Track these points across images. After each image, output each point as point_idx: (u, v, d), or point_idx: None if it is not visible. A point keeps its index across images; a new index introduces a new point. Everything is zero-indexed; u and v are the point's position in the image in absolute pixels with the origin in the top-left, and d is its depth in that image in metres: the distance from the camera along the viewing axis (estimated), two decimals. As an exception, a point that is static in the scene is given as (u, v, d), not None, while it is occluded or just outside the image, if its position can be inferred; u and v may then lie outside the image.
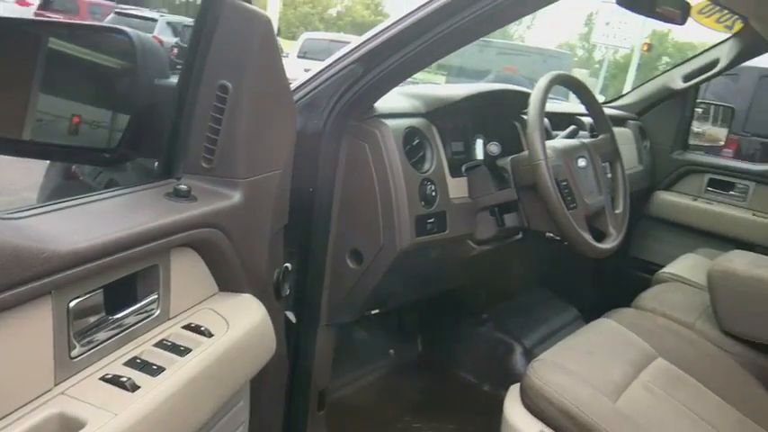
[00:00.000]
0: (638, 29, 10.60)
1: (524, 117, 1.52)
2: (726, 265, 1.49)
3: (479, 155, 1.35)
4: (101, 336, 0.63)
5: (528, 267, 1.96)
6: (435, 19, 1.05)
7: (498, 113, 1.53)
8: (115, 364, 0.63)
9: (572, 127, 1.55)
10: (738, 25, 2.08)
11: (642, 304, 1.61)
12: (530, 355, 1.76)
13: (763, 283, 1.42)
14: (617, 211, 1.46)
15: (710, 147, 2.68)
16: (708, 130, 2.72)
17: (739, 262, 1.51)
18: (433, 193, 1.22)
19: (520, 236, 1.48)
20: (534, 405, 1.13)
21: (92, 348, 0.62)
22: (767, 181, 2.24)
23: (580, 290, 2.18)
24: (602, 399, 1.13)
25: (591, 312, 2.21)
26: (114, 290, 0.65)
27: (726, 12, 2.15)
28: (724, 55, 2.15)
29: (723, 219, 2.28)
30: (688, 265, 1.96)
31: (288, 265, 1.15)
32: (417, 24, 1.07)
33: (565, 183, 1.28)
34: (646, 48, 12.63)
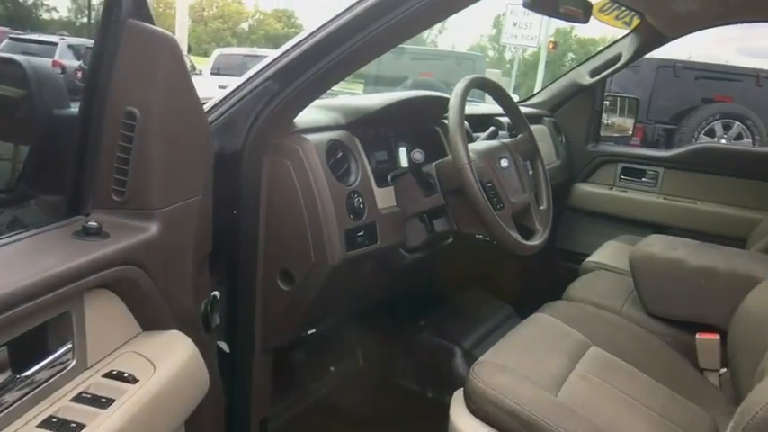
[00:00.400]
0: (544, 28, 11.07)
1: (445, 122, 1.53)
2: (645, 250, 1.57)
3: (404, 163, 1.35)
4: (9, 397, 0.57)
5: (461, 269, 1.98)
6: (350, 29, 1.03)
7: (420, 120, 1.54)
8: (27, 427, 0.57)
9: (492, 128, 1.59)
10: (636, 21, 2.21)
11: (572, 295, 1.67)
12: (470, 357, 1.78)
13: (681, 264, 1.50)
14: (542, 208, 1.51)
15: (620, 137, 2.83)
16: (616, 122, 2.86)
17: (657, 246, 1.58)
18: (361, 206, 1.21)
19: (450, 240, 1.49)
20: (479, 408, 1.14)
21: None
22: (675, 166, 2.38)
23: (512, 286, 2.23)
24: (543, 394, 1.15)
25: (524, 307, 2.26)
26: (21, 344, 0.59)
27: (624, 9, 2.27)
28: (625, 49, 2.27)
29: (638, 205, 2.40)
30: (610, 253, 2.04)
31: (216, 293, 1.11)
32: (332, 36, 1.05)
33: (490, 184, 1.30)
34: (552, 46, 13.22)
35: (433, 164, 1.34)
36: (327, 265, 1.15)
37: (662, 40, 2.23)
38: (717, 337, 1.41)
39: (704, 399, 1.32)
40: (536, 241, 1.37)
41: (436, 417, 1.27)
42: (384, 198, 1.31)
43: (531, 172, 1.55)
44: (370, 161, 1.33)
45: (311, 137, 1.18)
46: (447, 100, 1.34)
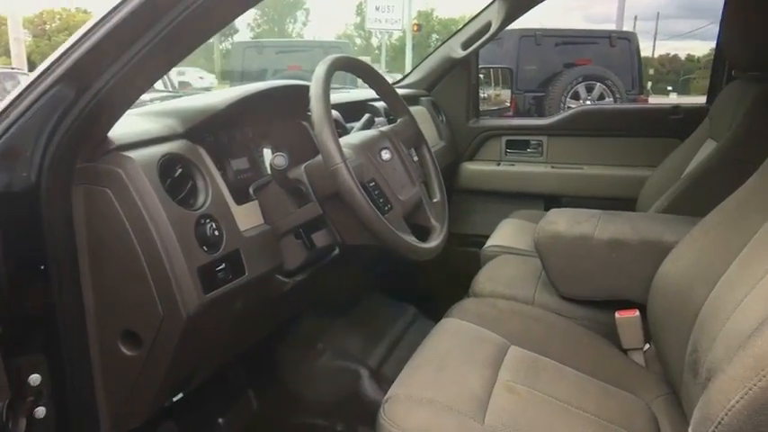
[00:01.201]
0: (406, 10, 11.09)
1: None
2: (549, 230, 1.43)
3: (267, 170, 1.10)
4: None
5: (354, 277, 1.77)
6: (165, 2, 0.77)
7: (283, 116, 1.29)
8: None
9: (367, 116, 1.37)
10: (501, -14, 2.09)
11: (479, 290, 1.50)
12: (378, 376, 1.57)
13: (589, 239, 1.38)
14: (435, 201, 1.31)
15: (498, 109, 2.74)
16: (493, 94, 2.77)
17: (561, 222, 1.45)
18: (216, 232, 0.95)
19: (336, 252, 1.26)
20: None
21: None
22: (557, 133, 2.32)
23: (413, 283, 2.06)
24: (469, 424, 0.97)
25: (429, 303, 2.11)
26: None
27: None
28: (494, 17, 2.15)
29: (527, 177, 2.31)
30: (509, 233, 1.92)
31: (35, 377, 0.82)
32: (141, 12, 0.78)
33: (372, 183, 1.08)
34: (416, 28, 13.34)
35: (302, 166, 1.10)
36: (181, 316, 0.88)
37: (527, 4, 2.13)
38: (636, 313, 1.30)
39: (635, 383, 1.20)
40: (435, 242, 1.18)
41: None
42: (247, 217, 1.06)
43: (416, 160, 1.36)
44: (224, 173, 1.07)
45: (136, 153, 0.90)
46: (308, 88, 1.11)
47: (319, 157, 1.05)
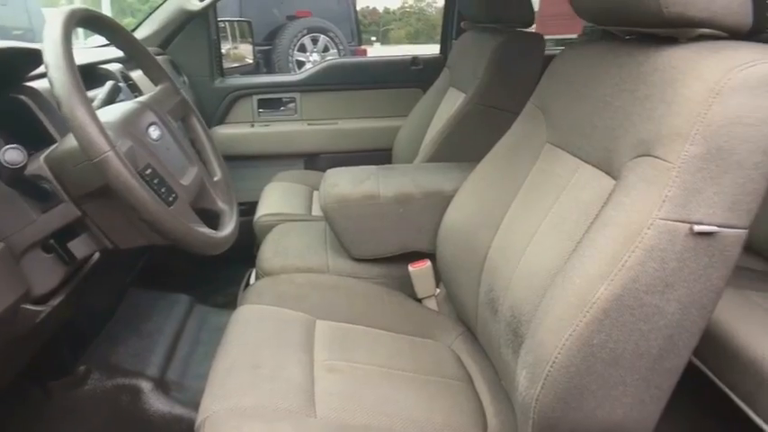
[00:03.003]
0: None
1: (33, 86, 1.00)
2: (335, 193, 1.38)
3: None
4: None
5: (115, 284, 1.50)
6: None
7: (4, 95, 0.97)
8: None
9: (110, 83, 1.10)
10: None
11: (269, 268, 1.39)
12: (164, 385, 1.37)
13: (376, 198, 1.37)
14: (216, 179, 1.14)
15: (241, 66, 2.56)
16: (232, 50, 2.58)
17: (344, 184, 1.41)
18: None
19: (97, 257, 1.02)
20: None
21: None
22: (309, 89, 2.26)
23: (185, 266, 1.84)
24: (304, 422, 0.88)
25: (204, 286, 1.92)
26: None
27: None
28: None
29: (284, 137, 2.22)
30: (279, 199, 1.82)
31: None
32: None
33: (149, 170, 0.87)
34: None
35: (41, 159, 0.83)
36: None
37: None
38: (428, 263, 1.34)
39: (435, 329, 1.25)
40: (229, 228, 1.02)
41: None
42: None
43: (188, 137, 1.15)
44: None
45: None
46: (36, 52, 0.83)
47: (66, 145, 0.81)
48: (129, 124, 0.89)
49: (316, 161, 2.25)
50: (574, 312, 0.76)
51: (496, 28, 1.72)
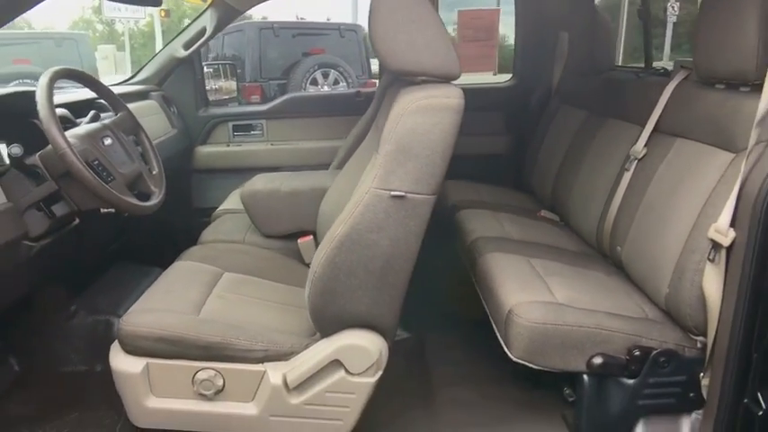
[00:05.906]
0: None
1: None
2: (250, 189, 1.96)
3: (6, 159, 1.42)
4: None
5: (96, 250, 2.08)
6: None
7: (16, 115, 1.59)
8: None
9: (92, 112, 1.72)
10: (210, -2, 2.53)
11: (204, 239, 1.97)
12: None
13: (277, 192, 1.94)
14: (154, 173, 1.74)
15: (229, 99, 3.20)
16: (223, 85, 3.22)
17: (259, 182, 1.99)
18: None
19: (77, 221, 1.61)
20: (133, 347, 1.35)
21: None
22: (274, 116, 2.86)
23: (160, 251, 2.43)
24: (185, 317, 1.42)
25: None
26: None
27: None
28: (208, 23, 2.58)
29: (251, 155, 2.82)
30: (234, 200, 2.40)
31: None
32: None
33: (96, 162, 1.47)
34: (164, 14, 12.98)
35: (37, 155, 1.44)
36: None
37: (235, 12, 2.61)
38: (311, 237, 1.89)
39: (305, 281, 1.78)
40: (153, 201, 1.61)
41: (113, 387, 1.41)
42: None
43: (140, 146, 1.77)
44: None
45: None
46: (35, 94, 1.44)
47: (50, 147, 1.41)
48: (89, 136, 1.51)
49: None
50: (326, 242, 1.30)
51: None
